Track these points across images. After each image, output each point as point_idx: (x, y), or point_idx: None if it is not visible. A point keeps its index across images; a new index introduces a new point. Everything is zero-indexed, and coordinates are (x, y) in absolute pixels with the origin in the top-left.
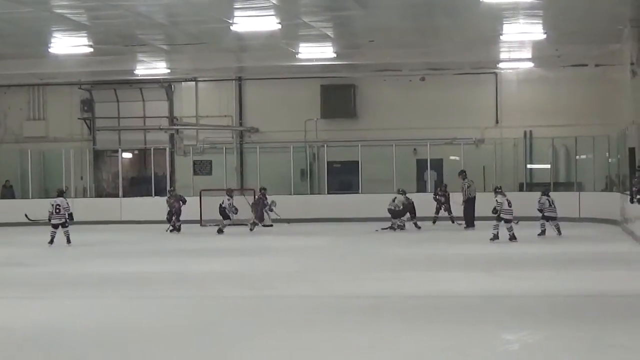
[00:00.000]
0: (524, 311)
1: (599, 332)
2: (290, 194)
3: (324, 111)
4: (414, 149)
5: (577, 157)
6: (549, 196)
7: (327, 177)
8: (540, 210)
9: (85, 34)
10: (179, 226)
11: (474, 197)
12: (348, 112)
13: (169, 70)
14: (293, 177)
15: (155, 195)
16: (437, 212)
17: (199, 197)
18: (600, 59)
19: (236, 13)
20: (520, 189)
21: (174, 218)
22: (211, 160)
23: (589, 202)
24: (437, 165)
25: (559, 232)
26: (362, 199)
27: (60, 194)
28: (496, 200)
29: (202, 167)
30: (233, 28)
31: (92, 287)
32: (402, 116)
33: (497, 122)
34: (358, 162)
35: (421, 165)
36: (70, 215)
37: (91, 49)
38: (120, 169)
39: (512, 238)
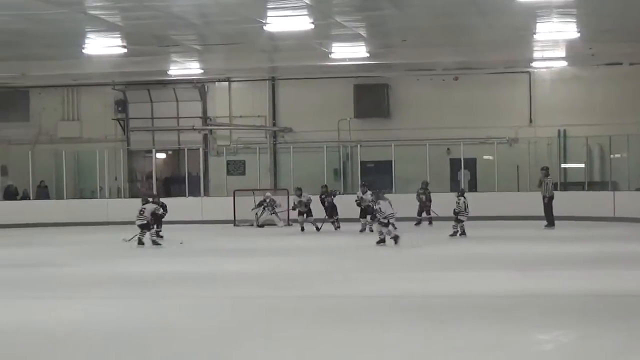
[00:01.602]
0: (557, 311)
1: (633, 331)
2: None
3: (357, 111)
4: (448, 149)
5: (612, 156)
6: (465, 198)
7: (361, 177)
8: (457, 212)
9: (119, 35)
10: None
11: (552, 196)
12: (381, 112)
13: (202, 71)
14: (326, 177)
15: (189, 196)
16: (420, 213)
17: (232, 198)
18: (635, 57)
19: (269, 13)
20: (554, 189)
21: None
22: (244, 161)
23: (624, 202)
24: (471, 164)
25: (464, 233)
26: (395, 198)
27: (147, 201)
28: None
29: (235, 168)
30: (266, 28)
31: (124, 287)
32: (436, 115)
33: (530, 121)
34: (391, 161)
35: (455, 164)
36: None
37: (125, 50)
38: (154, 170)
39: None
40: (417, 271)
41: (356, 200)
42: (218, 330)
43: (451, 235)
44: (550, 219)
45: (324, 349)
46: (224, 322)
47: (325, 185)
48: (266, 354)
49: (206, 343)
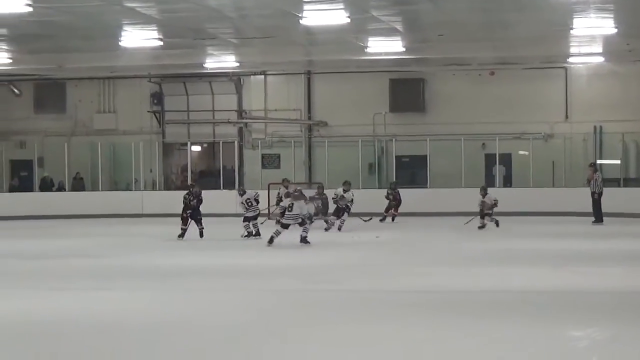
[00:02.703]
0: (593, 308)
1: None
2: (359, 188)
3: (392, 105)
4: (483, 144)
5: None
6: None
7: (396, 171)
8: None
9: (155, 28)
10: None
11: (602, 192)
12: (417, 106)
13: (238, 64)
14: (361, 171)
15: (223, 189)
16: (388, 210)
17: (267, 191)
18: None
19: (305, 7)
20: (589, 184)
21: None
22: (279, 154)
23: None
24: (506, 160)
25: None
26: (430, 193)
27: (243, 192)
28: None
29: (270, 161)
30: (302, 22)
31: (157, 279)
32: (471, 110)
33: (566, 117)
34: (426, 156)
35: (490, 160)
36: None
37: (161, 43)
38: (189, 162)
39: None
40: (451, 266)
41: (334, 198)
42: (246, 323)
43: (480, 227)
44: (599, 215)
45: (357, 343)
46: (253, 315)
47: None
48: (293, 347)
49: (234, 335)
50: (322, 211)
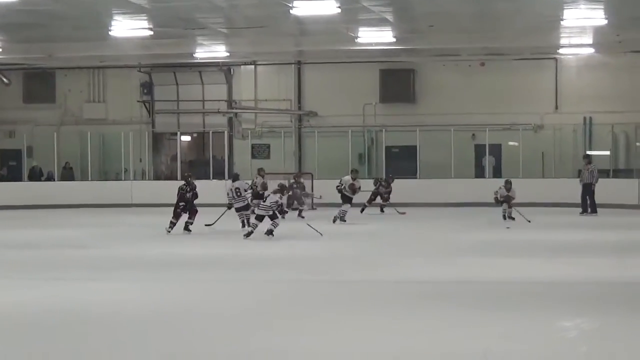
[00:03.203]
0: (582, 298)
1: None
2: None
3: (382, 96)
4: (473, 134)
5: (638, 143)
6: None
7: (385, 161)
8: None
9: (146, 17)
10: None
11: (588, 184)
12: (407, 97)
13: (228, 54)
14: (351, 161)
15: (213, 179)
16: (371, 201)
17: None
18: None
19: None
20: (579, 176)
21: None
22: (269, 144)
23: None
24: (496, 151)
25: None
26: (419, 183)
27: (237, 177)
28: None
29: (260, 151)
30: (292, 12)
31: (149, 269)
32: (461, 101)
33: (556, 108)
34: (416, 147)
35: (479, 150)
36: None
37: (151, 32)
38: (179, 152)
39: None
40: (444, 257)
41: (338, 187)
42: (241, 313)
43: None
44: (594, 206)
45: (352, 334)
46: (248, 305)
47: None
48: (287, 337)
49: (233, 325)
50: (299, 201)
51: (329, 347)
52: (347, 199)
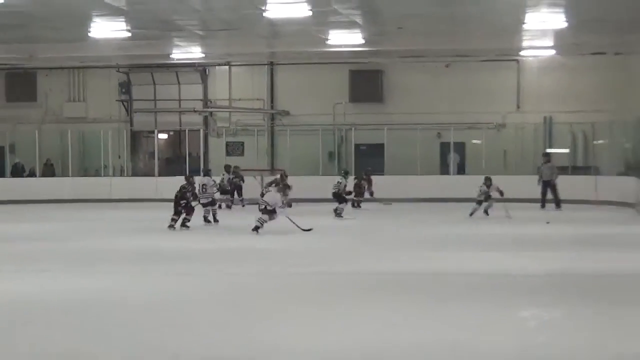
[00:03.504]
0: (542, 290)
1: (615, 310)
2: (319, 175)
3: (352, 95)
4: (438, 133)
5: (595, 142)
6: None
7: (354, 159)
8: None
9: (124, 19)
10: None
11: (549, 181)
12: (375, 97)
13: (203, 55)
14: (321, 158)
15: (204, 174)
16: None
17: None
18: (619, 47)
19: (269, 0)
20: (538, 173)
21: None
22: (243, 142)
23: (606, 186)
24: (460, 148)
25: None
26: (386, 180)
27: (207, 173)
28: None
29: (234, 149)
30: (265, 15)
31: (128, 261)
32: (427, 101)
33: (518, 107)
34: (383, 144)
35: (444, 148)
36: (217, 191)
37: (129, 34)
38: (157, 150)
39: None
40: (413, 250)
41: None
42: (225, 302)
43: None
44: (558, 201)
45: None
46: (233, 295)
47: (237, 166)
48: (271, 325)
49: (214, 312)
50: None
51: (308, 334)
52: (343, 199)
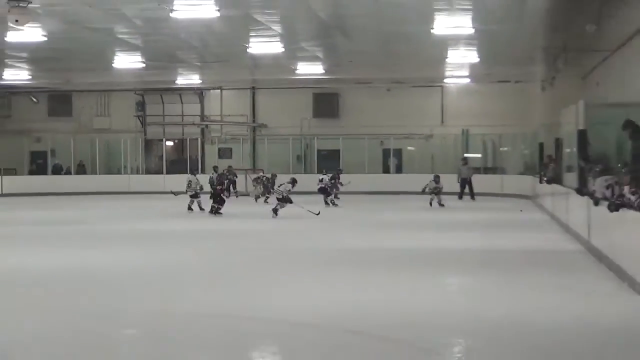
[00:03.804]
0: (461, 261)
1: (515, 277)
2: (290, 173)
3: (315, 112)
4: (381, 141)
5: (501, 148)
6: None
7: (317, 161)
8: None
9: (139, 53)
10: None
11: (466, 178)
12: (333, 113)
13: (201, 81)
14: (291, 160)
15: (189, 173)
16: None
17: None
18: (519, 76)
19: (251, 39)
20: (457, 172)
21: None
22: (231, 148)
23: (509, 183)
24: (398, 153)
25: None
26: (342, 178)
27: (192, 172)
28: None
29: (225, 153)
30: (249, 50)
31: (142, 241)
32: (373, 117)
33: (442, 122)
34: (339, 150)
35: (386, 153)
36: (201, 187)
37: (144, 64)
38: (164, 153)
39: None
40: (363, 232)
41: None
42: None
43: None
44: (473, 194)
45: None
46: (222, 265)
47: (230, 166)
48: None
49: (201, 280)
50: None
51: (276, 298)
52: (327, 192)
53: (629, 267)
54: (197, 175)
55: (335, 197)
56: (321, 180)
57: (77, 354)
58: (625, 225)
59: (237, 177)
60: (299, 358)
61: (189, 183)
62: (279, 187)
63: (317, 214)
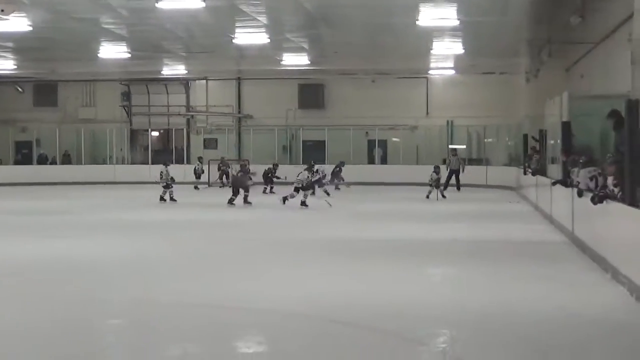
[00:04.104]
0: (446, 252)
1: (499, 267)
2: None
3: (300, 103)
4: (366, 132)
5: (486, 140)
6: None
7: (302, 151)
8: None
9: (125, 43)
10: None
11: (459, 169)
12: (318, 104)
13: (186, 71)
14: (277, 151)
15: (175, 163)
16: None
17: (207, 165)
18: (503, 68)
19: (237, 30)
20: (444, 163)
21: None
22: (217, 138)
23: (494, 174)
24: (383, 144)
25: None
26: (327, 169)
27: (165, 163)
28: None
29: (210, 143)
30: (234, 41)
31: (126, 230)
32: (357, 108)
33: (427, 113)
34: (325, 141)
35: (371, 144)
36: (172, 179)
37: (129, 54)
38: (150, 144)
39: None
40: (349, 223)
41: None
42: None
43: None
44: (458, 185)
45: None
46: (211, 252)
47: (223, 157)
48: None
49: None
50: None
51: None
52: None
53: (612, 258)
54: (171, 166)
55: (336, 188)
56: (316, 171)
57: (61, 343)
58: (608, 216)
59: (230, 167)
60: (284, 348)
61: (161, 174)
62: (297, 176)
63: (331, 206)
